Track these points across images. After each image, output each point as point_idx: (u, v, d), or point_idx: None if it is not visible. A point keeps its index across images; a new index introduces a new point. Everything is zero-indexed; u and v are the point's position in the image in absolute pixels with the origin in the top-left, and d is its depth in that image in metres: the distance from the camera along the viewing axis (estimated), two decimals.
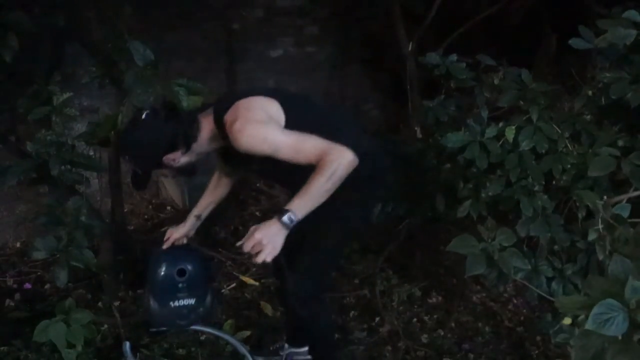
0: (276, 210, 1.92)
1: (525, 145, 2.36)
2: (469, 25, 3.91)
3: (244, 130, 1.96)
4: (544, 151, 2.36)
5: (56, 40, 3.10)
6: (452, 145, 2.48)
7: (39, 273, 3.42)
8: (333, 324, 2.60)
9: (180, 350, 2.79)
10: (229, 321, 2.92)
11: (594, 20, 2.28)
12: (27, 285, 3.34)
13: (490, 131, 2.43)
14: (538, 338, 2.97)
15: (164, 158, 2.08)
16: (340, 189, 1.95)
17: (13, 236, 3.76)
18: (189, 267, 2.36)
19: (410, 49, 3.78)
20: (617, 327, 1.18)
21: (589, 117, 2.43)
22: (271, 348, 2.78)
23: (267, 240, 1.86)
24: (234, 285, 3.37)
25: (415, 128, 3.48)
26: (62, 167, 2.45)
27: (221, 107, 2.09)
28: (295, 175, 1.96)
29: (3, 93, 2.97)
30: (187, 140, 2.08)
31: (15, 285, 3.36)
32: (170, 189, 4.27)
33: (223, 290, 3.35)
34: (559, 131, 2.38)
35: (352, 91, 5.17)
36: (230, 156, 2.20)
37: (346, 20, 4.86)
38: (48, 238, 2.40)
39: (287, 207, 1.89)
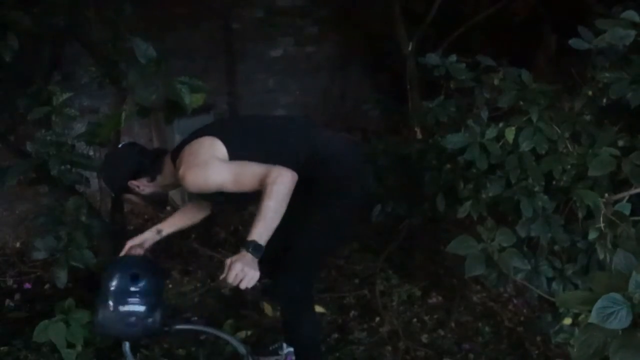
0: (242, 243, 2.06)
1: (525, 146, 2.36)
2: (469, 25, 3.92)
3: (187, 176, 2.14)
4: (544, 152, 2.35)
5: (56, 40, 3.09)
6: (452, 146, 2.47)
7: (38, 273, 3.42)
8: (318, 325, 2.62)
9: (180, 350, 2.79)
10: (229, 321, 2.92)
11: (594, 20, 2.28)
12: (27, 285, 3.34)
13: (490, 132, 2.43)
14: (538, 338, 2.97)
15: (129, 182, 2.28)
16: (312, 192, 2.15)
17: (13, 236, 3.76)
18: (143, 274, 2.33)
19: (410, 49, 3.79)
20: (620, 320, 1.18)
21: (589, 117, 2.43)
22: (271, 348, 2.77)
23: (246, 269, 1.99)
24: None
25: (415, 128, 3.48)
26: (62, 167, 2.45)
27: (175, 154, 2.28)
28: (255, 195, 2.10)
29: (3, 93, 2.97)
30: (150, 170, 2.29)
31: (15, 285, 3.36)
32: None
33: (223, 290, 3.35)
34: (559, 132, 2.38)
35: (352, 91, 5.17)
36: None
37: (346, 20, 4.86)
38: (48, 238, 2.40)
39: (249, 239, 2.03)
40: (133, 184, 2.29)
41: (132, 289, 2.30)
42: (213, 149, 2.20)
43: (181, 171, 2.16)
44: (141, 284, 2.31)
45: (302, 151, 2.25)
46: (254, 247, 2.01)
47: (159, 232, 2.52)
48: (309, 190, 2.18)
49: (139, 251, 2.46)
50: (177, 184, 2.31)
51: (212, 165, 2.15)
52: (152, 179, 2.31)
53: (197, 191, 2.21)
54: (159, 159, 2.33)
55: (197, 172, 2.14)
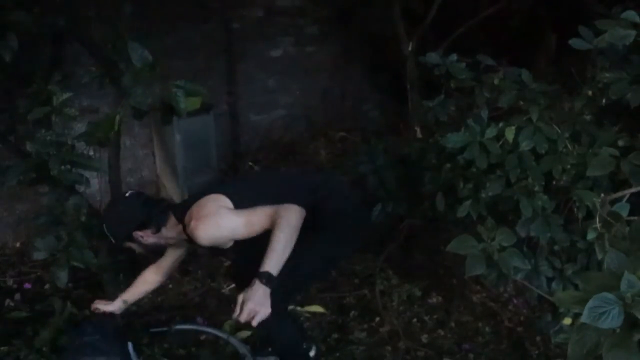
0: (256, 274, 2.14)
1: (525, 146, 2.36)
2: (469, 25, 3.92)
3: (199, 227, 2.21)
4: (543, 151, 2.35)
5: (56, 40, 3.10)
6: (452, 145, 2.47)
7: (38, 273, 3.42)
8: (295, 334, 2.62)
9: (181, 350, 2.79)
10: (229, 321, 2.92)
11: (594, 20, 2.28)
12: (27, 285, 3.34)
13: (490, 131, 2.43)
14: (538, 338, 2.98)
15: (134, 233, 2.31)
16: (310, 229, 2.22)
17: (13, 236, 3.76)
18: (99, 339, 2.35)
19: (410, 49, 3.79)
20: (612, 320, 1.18)
21: (589, 117, 2.43)
22: (270, 348, 2.78)
23: (259, 306, 2.10)
24: (233, 285, 3.36)
25: (415, 128, 3.48)
26: (62, 167, 2.45)
27: (179, 212, 2.35)
28: (263, 241, 2.18)
29: (3, 93, 2.97)
30: (156, 223, 2.33)
31: (15, 285, 3.36)
32: (170, 189, 4.27)
33: (223, 290, 3.35)
34: (559, 131, 2.37)
35: (352, 91, 5.17)
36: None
37: (346, 20, 4.86)
38: (48, 238, 2.40)
39: (262, 270, 2.13)
40: (137, 234, 2.32)
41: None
42: (219, 201, 2.28)
43: (192, 224, 2.22)
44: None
45: (303, 196, 2.32)
46: (267, 278, 2.11)
47: (124, 302, 2.58)
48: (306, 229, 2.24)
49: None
50: (181, 239, 2.39)
51: (222, 213, 2.24)
52: (157, 231, 2.34)
53: (210, 242, 2.25)
54: (164, 212, 2.38)
55: (208, 221, 2.21)
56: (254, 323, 2.12)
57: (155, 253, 2.55)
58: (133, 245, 2.40)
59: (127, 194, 2.44)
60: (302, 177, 2.57)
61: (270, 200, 2.26)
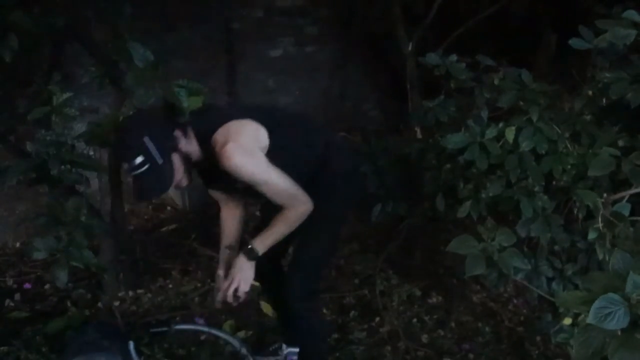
0: (242, 246, 2.21)
1: (525, 146, 2.36)
2: (469, 25, 3.92)
3: (234, 153, 2.03)
4: (544, 152, 2.35)
5: (56, 40, 3.09)
6: (452, 146, 2.47)
7: (39, 273, 3.42)
8: (326, 323, 2.65)
9: (180, 350, 2.79)
10: (229, 321, 2.92)
11: (594, 20, 2.28)
12: (27, 285, 3.34)
13: (490, 132, 2.43)
14: (538, 338, 2.97)
15: (176, 132, 2.08)
16: (315, 188, 2.19)
17: (13, 236, 3.76)
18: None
19: (410, 49, 3.79)
20: (617, 321, 1.18)
21: (589, 117, 2.43)
22: (271, 348, 2.78)
23: (238, 278, 2.19)
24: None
25: (415, 128, 3.48)
26: (62, 167, 2.45)
27: (206, 125, 2.13)
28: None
29: (3, 93, 2.96)
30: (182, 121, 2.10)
31: (15, 285, 3.36)
32: (170, 189, 4.26)
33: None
34: (559, 132, 2.38)
35: (352, 91, 5.17)
36: (210, 173, 2.24)
37: (346, 20, 4.86)
38: (48, 238, 2.40)
39: (250, 245, 2.19)
40: (179, 134, 2.07)
41: None
42: (258, 137, 2.12)
43: (229, 149, 2.01)
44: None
45: (319, 150, 2.30)
46: (252, 253, 2.18)
47: (231, 247, 2.43)
48: (312, 187, 2.21)
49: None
50: (198, 161, 2.15)
51: (259, 159, 2.09)
52: (185, 134, 2.09)
53: (234, 171, 2.04)
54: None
55: (245, 156, 2.05)
56: (240, 294, 2.19)
57: (188, 173, 2.17)
58: (175, 159, 2.07)
59: (142, 164, 2.01)
60: (318, 130, 2.41)
61: (293, 159, 2.17)
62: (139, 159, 1.98)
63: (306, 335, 2.48)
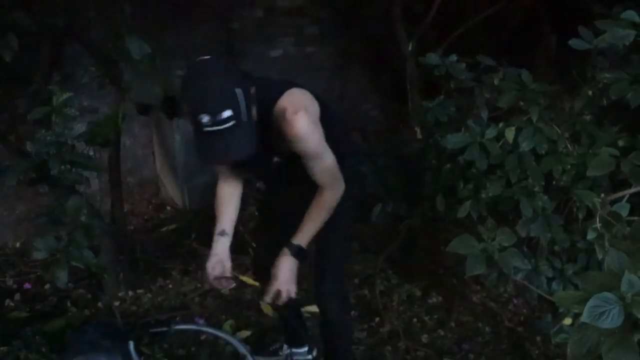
0: (287, 245, 2.08)
1: (525, 146, 2.36)
2: (469, 25, 3.92)
3: (305, 125, 1.90)
4: (543, 152, 2.35)
5: (56, 40, 3.10)
6: (452, 146, 2.48)
7: (38, 273, 3.42)
8: (351, 329, 2.68)
9: (180, 350, 2.79)
10: (229, 321, 2.92)
11: (594, 20, 2.28)
12: (27, 285, 3.34)
13: (490, 132, 2.43)
14: (538, 338, 2.97)
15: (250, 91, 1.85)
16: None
17: (13, 236, 3.76)
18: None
19: (410, 49, 3.79)
20: (612, 320, 1.18)
21: (589, 117, 2.43)
22: (271, 348, 2.78)
23: (286, 284, 2.07)
24: (234, 285, 3.36)
25: (415, 128, 3.48)
26: (62, 167, 2.45)
27: (266, 88, 1.95)
28: (304, 184, 2.03)
29: (3, 93, 2.97)
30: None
31: (15, 285, 3.36)
32: (170, 188, 4.27)
33: (223, 290, 3.34)
34: (559, 132, 2.38)
35: (352, 91, 5.17)
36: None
37: (346, 20, 4.86)
38: (48, 238, 2.40)
39: (295, 242, 2.06)
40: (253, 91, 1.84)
41: None
42: (317, 110, 2.00)
43: (300, 114, 1.88)
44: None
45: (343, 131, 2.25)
46: (298, 252, 2.06)
47: (224, 234, 2.26)
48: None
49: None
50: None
51: (321, 133, 1.98)
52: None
53: (297, 139, 1.89)
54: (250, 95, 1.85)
55: (313, 127, 1.93)
56: (285, 298, 2.06)
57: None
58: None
59: (228, 121, 1.72)
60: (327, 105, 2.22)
61: (331, 132, 2.04)
62: (227, 113, 1.71)
63: (339, 337, 2.47)
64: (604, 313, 1.18)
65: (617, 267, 1.31)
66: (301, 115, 1.89)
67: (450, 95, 2.89)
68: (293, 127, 1.89)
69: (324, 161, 2.00)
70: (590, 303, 1.19)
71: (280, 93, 1.95)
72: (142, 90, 2.23)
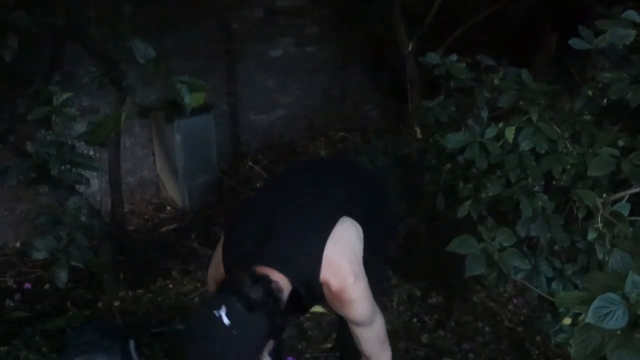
0: None
1: (525, 146, 2.36)
2: (469, 25, 3.91)
3: (353, 298, 1.81)
4: (543, 151, 2.35)
5: (56, 40, 3.10)
6: (452, 146, 2.47)
7: (38, 273, 3.42)
8: None
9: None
10: None
11: (594, 20, 2.28)
12: (27, 285, 3.34)
13: (490, 131, 2.43)
14: (538, 338, 2.97)
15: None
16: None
17: (13, 236, 3.76)
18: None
19: (410, 49, 3.78)
20: (616, 321, 1.18)
21: (589, 117, 2.43)
22: None
23: None
24: None
25: (415, 128, 3.48)
26: (62, 167, 2.45)
27: (298, 266, 1.76)
28: None
29: (3, 93, 2.97)
30: (281, 326, 1.67)
31: (15, 285, 3.36)
32: (170, 189, 4.27)
33: None
34: (559, 131, 2.38)
35: (352, 91, 5.17)
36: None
37: (346, 20, 4.86)
38: (48, 238, 2.40)
39: None
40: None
41: None
42: (358, 247, 1.85)
43: (348, 284, 1.76)
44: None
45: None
46: None
47: None
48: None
49: None
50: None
51: (369, 298, 1.87)
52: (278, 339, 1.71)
53: (343, 311, 1.85)
54: (279, 300, 1.67)
55: (360, 292, 1.81)
56: None
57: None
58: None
59: (223, 318, 1.53)
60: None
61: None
62: None
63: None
64: (608, 314, 1.18)
65: (621, 268, 1.30)
66: (348, 287, 1.77)
67: (450, 95, 2.88)
68: (342, 304, 1.82)
69: (373, 329, 1.96)
70: (595, 304, 1.19)
71: (317, 260, 1.75)
72: (146, 93, 2.23)
